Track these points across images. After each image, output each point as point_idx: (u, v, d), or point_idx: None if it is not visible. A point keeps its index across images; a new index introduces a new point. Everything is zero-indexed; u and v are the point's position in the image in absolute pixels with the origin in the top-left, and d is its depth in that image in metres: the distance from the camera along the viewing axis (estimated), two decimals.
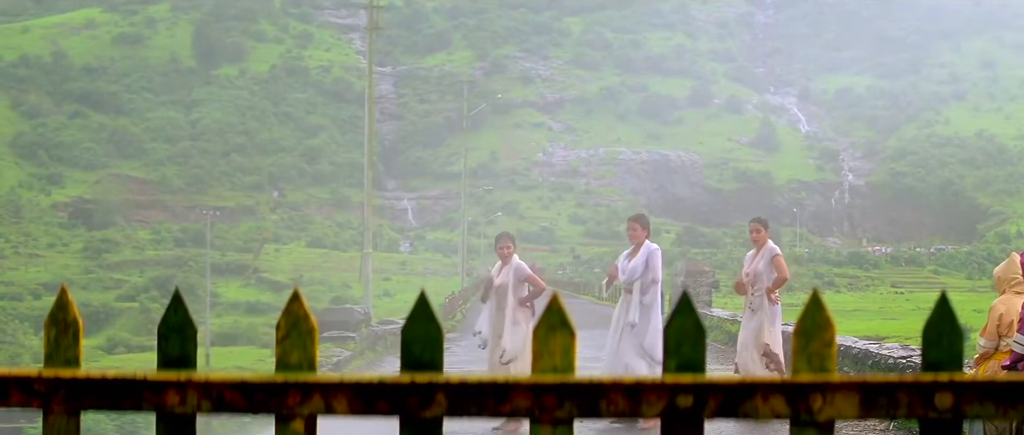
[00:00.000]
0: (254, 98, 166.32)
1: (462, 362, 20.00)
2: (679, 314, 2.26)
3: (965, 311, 63.18)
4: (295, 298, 2.34)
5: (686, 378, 2.17)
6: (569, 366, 2.27)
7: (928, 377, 2.14)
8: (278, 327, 2.34)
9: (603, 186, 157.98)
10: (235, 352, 67.02)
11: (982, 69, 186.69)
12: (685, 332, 2.25)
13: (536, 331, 2.28)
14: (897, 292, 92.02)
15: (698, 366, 2.25)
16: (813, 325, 2.22)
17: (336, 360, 19.56)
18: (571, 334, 2.28)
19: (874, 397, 2.13)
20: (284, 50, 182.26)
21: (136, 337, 76.57)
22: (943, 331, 2.21)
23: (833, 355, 2.22)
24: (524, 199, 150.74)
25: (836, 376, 2.16)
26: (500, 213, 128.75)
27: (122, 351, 72.17)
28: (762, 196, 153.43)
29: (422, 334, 2.29)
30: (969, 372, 8.86)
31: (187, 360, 2.40)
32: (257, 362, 59.90)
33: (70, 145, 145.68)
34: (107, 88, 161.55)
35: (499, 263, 12.66)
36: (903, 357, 12.17)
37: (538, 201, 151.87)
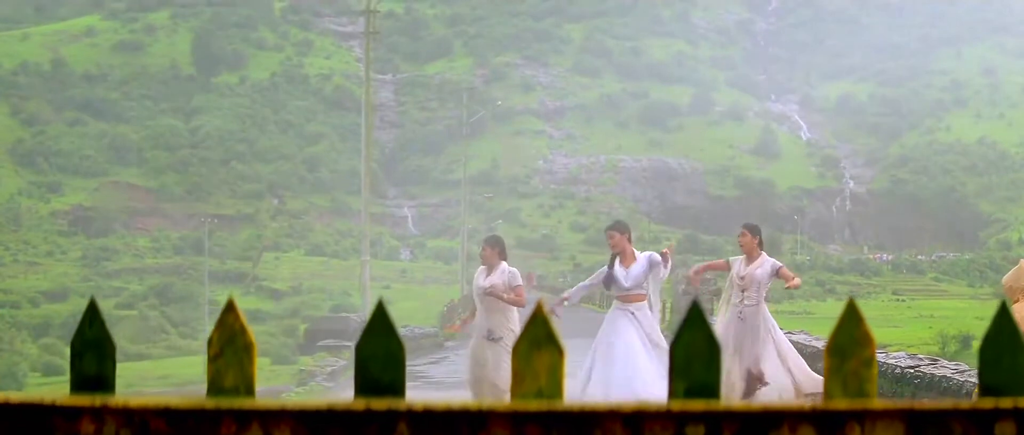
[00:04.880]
0: (254, 106, 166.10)
1: (461, 372, 19.64)
2: (689, 328, 1.88)
3: (967, 319, 62.77)
4: (230, 309, 2.00)
5: (697, 405, 1.81)
6: (557, 390, 1.90)
7: (988, 404, 1.76)
8: (210, 343, 2.01)
9: (604, 194, 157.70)
10: None
11: (983, 76, 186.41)
12: (696, 349, 1.88)
13: (517, 348, 1.92)
14: (899, 300, 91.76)
15: (711, 390, 1.88)
16: (849, 341, 1.86)
17: (331, 370, 19.29)
18: (559, 352, 1.91)
19: (922, 427, 1.76)
20: (284, 58, 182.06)
21: (134, 345, 76.18)
22: (1004, 349, 1.83)
23: (873, 377, 1.86)
24: (525, 206, 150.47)
25: (877, 402, 1.80)
26: (501, 221, 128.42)
27: (120, 359, 71.54)
28: (763, 203, 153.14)
29: (381, 351, 1.92)
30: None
31: (105, 381, 2.06)
32: (256, 370, 59.48)
33: (69, 153, 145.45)
34: (107, 96, 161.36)
35: (482, 265, 12.30)
36: (911, 367, 11.85)
37: (539, 209, 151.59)
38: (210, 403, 1.88)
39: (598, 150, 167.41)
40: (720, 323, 12.55)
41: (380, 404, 1.83)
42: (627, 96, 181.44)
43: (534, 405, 1.83)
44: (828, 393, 1.87)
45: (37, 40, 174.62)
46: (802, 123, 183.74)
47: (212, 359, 2.00)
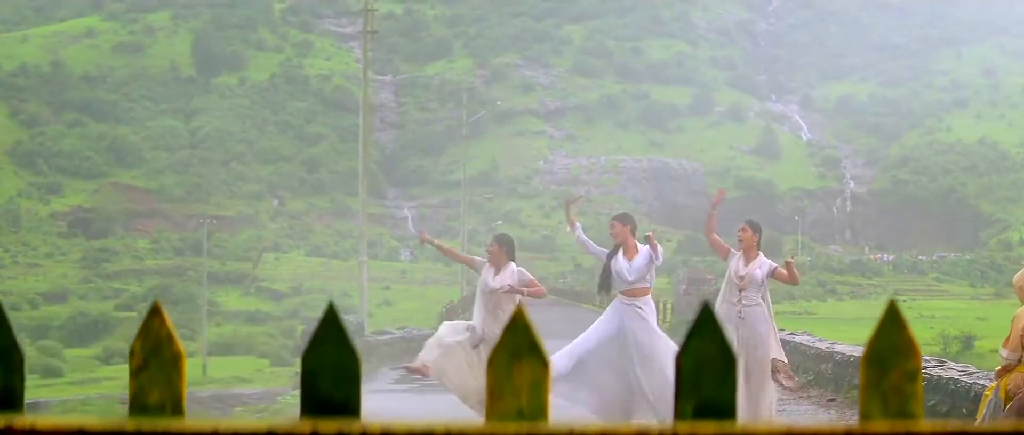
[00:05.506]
0: (254, 107, 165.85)
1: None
2: (699, 335, 1.56)
3: (968, 319, 62.50)
4: (155, 313, 1.71)
5: (708, 427, 1.51)
6: (540, 410, 1.59)
7: None
8: (132, 354, 1.71)
9: (604, 194, 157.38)
10: (233, 362, 66.52)
11: (984, 76, 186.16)
12: (707, 360, 1.56)
13: (493, 360, 1.62)
14: (900, 300, 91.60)
15: (725, 409, 1.56)
16: (890, 349, 1.57)
17: None
18: (543, 364, 1.61)
19: None
20: (284, 59, 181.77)
21: None
22: None
23: (918, 393, 1.56)
24: (525, 207, 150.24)
25: (923, 423, 1.51)
26: (501, 221, 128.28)
27: (118, 361, 71.63)
28: (764, 204, 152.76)
29: (331, 364, 1.60)
30: (990, 384, 8.39)
31: (12, 397, 1.76)
32: (255, 372, 59.40)
33: (69, 154, 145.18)
34: (106, 97, 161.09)
35: (489, 264, 12.02)
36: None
37: (539, 209, 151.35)
38: (131, 424, 1.58)
39: (598, 151, 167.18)
40: None
41: (329, 426, 1.54)
42: (627, 97, 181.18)
43: (513, 427, 1.54)
44: (866, 413, 1.57)
45: (36, 41, 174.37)
46: (802, 123, 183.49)
47: (135, 372, 1.70)
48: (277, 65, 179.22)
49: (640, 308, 11.29)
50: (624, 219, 11.90)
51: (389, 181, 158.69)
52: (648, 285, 11.47)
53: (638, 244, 11.63)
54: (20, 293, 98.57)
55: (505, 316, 11.63)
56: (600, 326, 11.44)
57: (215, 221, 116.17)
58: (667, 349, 11.03)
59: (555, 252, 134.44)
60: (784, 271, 12.14)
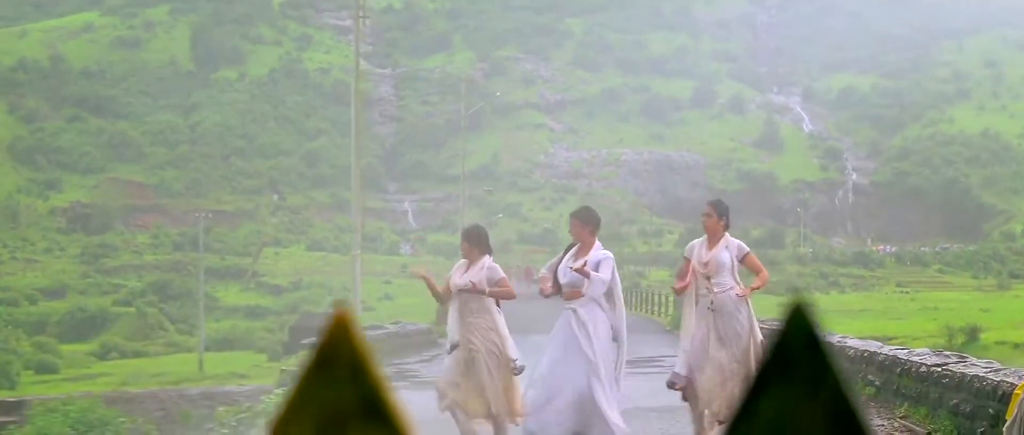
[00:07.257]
0: (253, 101, 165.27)
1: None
2: (789, 382, 0.80)
3: (972, 311, 61.81)
4: None
5: None
6: None
7: None
8: None
9: (605, 187, 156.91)
10: (230, 357, 66.02)
11: (986, 67, 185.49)
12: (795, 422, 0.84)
13: (280, 423, 1.03)
14: (902, 292, 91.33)
15: None
16: None
17: None
18: None
19: None
20: (283, 53, 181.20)
21: (131, 342, 75.55)
22: None
23: None
24: (526, 201, 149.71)
25: None
26: (501, 215, 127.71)
27: (115, 356, 71.14)
28: (766, 196, 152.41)
29: None
30: (1021, 382, 7.79)
31: None
32: (252, 368, 58.84)
33: (68, 149, 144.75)
34: (105, 92, 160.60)
35: (464, 262, 11.03)
36: (937, 365, 10.92)
37: (540, 203, 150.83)
38: None
39: (599, 144, 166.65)
40: (692, 324, 10.79)
41: None
42: (628, 89, 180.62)
43: None
44: None
45: (35, 36, 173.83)
46: (804, 115, 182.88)
47: None
48: (276, 59, 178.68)
49: (574, 310, 10.19)
50: (584, 218, 10.78)
51: (389, 175, 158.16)
52: (583, 292, 10.22)
53: (598, 246, 10.55)
54: (19, 289, 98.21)
55: (475, 319, 10.68)
56: (551, 340, 10.36)
57: (214, 216, 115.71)
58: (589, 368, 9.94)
59: (557, 246, 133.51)
60: (757, 260, 11.09)
